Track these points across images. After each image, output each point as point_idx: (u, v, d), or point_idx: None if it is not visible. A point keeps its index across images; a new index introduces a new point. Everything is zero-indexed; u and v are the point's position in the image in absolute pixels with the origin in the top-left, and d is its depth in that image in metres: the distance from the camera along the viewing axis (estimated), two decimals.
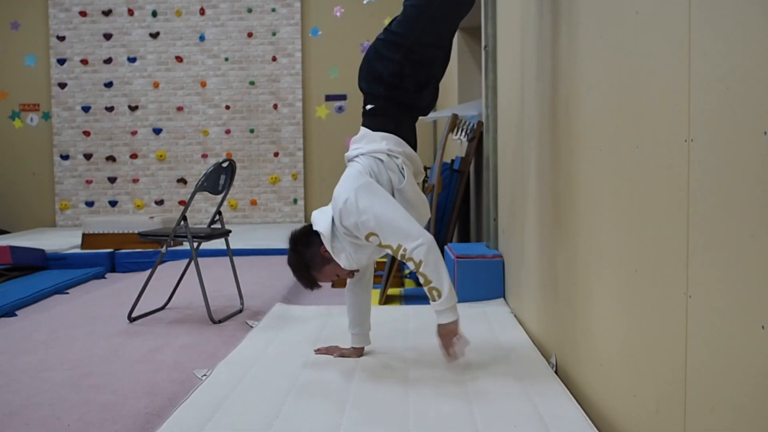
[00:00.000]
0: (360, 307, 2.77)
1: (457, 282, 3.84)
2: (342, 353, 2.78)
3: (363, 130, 2.62)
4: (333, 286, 4.97)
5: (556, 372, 2.50)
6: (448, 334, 2.45)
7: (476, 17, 4.37)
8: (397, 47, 2.56)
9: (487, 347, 2.87)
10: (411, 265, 2.38)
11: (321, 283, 2.61)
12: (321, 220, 2.51)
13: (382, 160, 2.50)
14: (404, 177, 2.52)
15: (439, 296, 2.38)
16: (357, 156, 2.56)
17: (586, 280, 2.18)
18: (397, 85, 2.56)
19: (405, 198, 2.53)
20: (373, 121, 2.60)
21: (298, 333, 3.25)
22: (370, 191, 2.42)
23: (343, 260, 2.48)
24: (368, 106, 2.62)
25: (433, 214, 4.63)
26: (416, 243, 2.35)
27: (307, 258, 2.54)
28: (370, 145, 2.54)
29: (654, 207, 1.62)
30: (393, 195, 2.51)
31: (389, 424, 2.05)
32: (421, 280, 2.40)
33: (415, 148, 2.64)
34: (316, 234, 2.52)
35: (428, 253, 2.35)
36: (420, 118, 2.77)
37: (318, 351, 2.86)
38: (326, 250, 2.50)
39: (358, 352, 2.78)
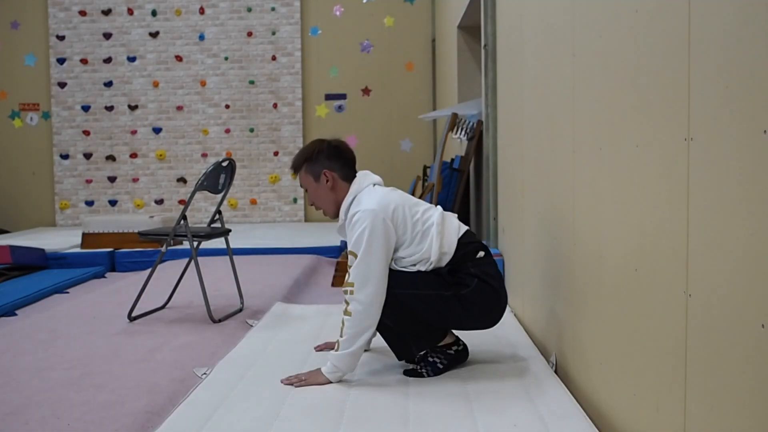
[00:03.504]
0: None
1: None
2: None
3: (459, 228, 2.53)
4: (333, 285, 4.97)
5: (556, 372, 2.50)
6: (314, 379, 2.42)
7: (476, 17, 4.37)
8: (459, 280, 2.47)
9: (487, 347, 2.87)
10: (344, 305, 2.42)
11: (302, 187, 2.63)
12: (366, 180, 2.53)
13: (424, 254, 2.45)
14: (427, 265, 2.45)
15: (336, 350, 2.40)
16: (437, 223, 2.47)
17: (586, 279, 2.18)
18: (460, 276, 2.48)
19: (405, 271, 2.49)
20: (467, 249, 2.51)
21: (298, 332, 3.25)
22: (385, 232, 2.38)
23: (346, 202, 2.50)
24: (462, 230, 2.54)
25: None
26: (361, 297, 2.35)
27: (318, 157, 2.55)
28: (451, 233, 2.47)
29: (654, 206, 1.62)
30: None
31: (389, 424, 2.05)
32: (341, 325, 2.41)
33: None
34: (345, 166, 2.54)
35: (360, 315, 2.36)
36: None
37: (318, 348, 2.87)
38: (327, 174, 2.52)
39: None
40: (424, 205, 2.55)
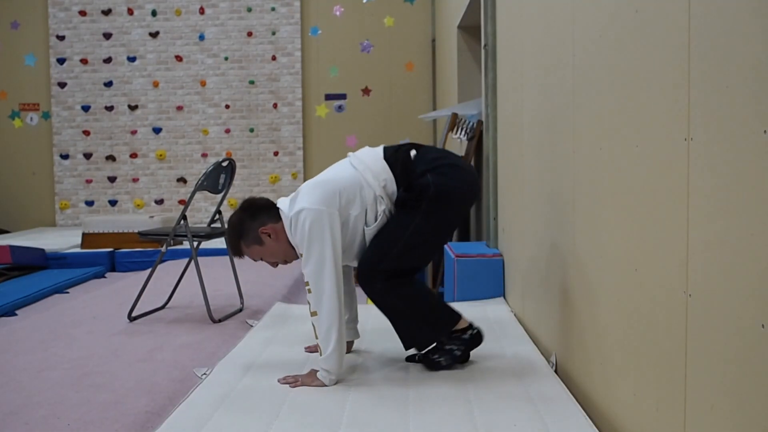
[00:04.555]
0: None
1: (457, 281, 3.84)
2: None
3: (381, 150, 2.55)
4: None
5: (556, 371, 2.50)
6: (309, 381, 2.42)
7: (476, 17, 4.36)
8: (423, 199, 2.45)
9: (486, 347, 2.87)
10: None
11: (246, 257, 2.62)
12: (287, 203, 2.52)
13: (365, 197, 2.44)
14: (376, 222, 2.46)
15: (320, 354, 2.40)
16: (357, 166, 2.50)
17: (586, 279, 2.18)
18: (414, 194, 2.47)
19: (364, 238, 2.50)
20: (397, 158, 2.52)
21: (298, 332, 3.25)
22: (328, 224, 2.37)
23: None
24: (413, 153, 2.54)
25: None
26: (317, 292, 2.36)
27: (245, 227, 2.54)
28: (374, 170, 2.47)
29: (654, 206, 1.62)
30: (351, 223, 2.47)
31: (389, 423, 2.05)
32: (313, 329, 2.42)
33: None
34: (267, 212, 2.52)
35: (321, 310, 2.36)
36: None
37: (308, 349, 2.87)
38: (264, 232, 2.51)
39: (348, 347, 2.78)
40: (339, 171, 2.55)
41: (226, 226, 3.44)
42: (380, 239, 2.49)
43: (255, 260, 2.61)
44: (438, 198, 2.44)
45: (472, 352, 2.62)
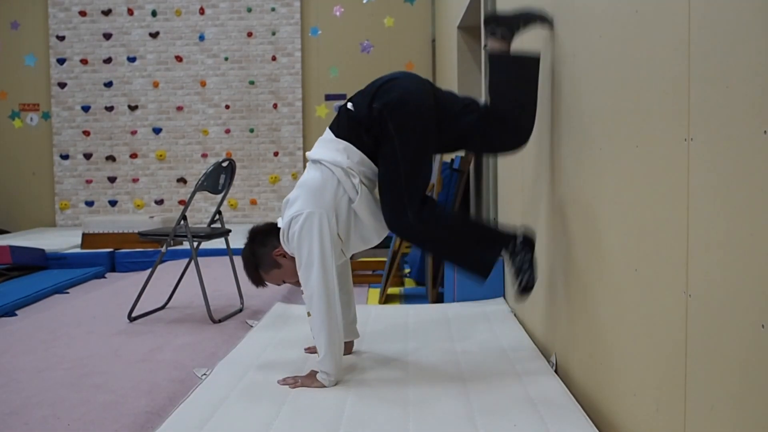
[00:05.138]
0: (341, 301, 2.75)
1: (457, 281, 3.85)
2: None
3: (328, 133, 2.54)
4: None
5: (556, 371, 2.50)
6: (308, 382, 2.41)
7: (476, 17, 4.37)
8: (394, 119, 2.40)
9: (487, 346, 2.87)
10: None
11: (268, 283, 2.62)
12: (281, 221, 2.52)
13: (338, 179, 2.42)
14: (358, 194, 2.43)
15: (318, 356, 2.40)
16: (317, 161, 2.48)
17: (586, 279, 2.18)
18: (367, 124, 2.44)
19: (358, 216, 2.48)
20: (343, 125, 2.50)
21: (298, 332, 3.25)
22: (317, 224, 2.37)
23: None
24: (349, 105, 2.51)
25: None
26: (308, 292, 2.37)
27: (259, 257, 2.55)
28: (330, 153, 2.46)
29: (654, 206, 1.62)
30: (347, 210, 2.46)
31: (389, 424, 2.05)
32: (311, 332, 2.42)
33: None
34: (275, 234, 2.52)
35: (315, 310, 2.36)
36: None
37: (308, 350, 2.87)
38: (279, 254, 2.51)
39: (347, 348, 2.78)
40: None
41: (224, 226, 3.45)
42: (385, 188, 2.45)
43: (279, 284, 2.62)
44: (394, 113, 2.38)
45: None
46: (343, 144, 2.46)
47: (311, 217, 2.36)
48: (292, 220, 2.39)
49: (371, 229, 2.51)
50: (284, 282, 2.59)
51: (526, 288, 2.47)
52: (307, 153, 2.56)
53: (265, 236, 2.56)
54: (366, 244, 2.58)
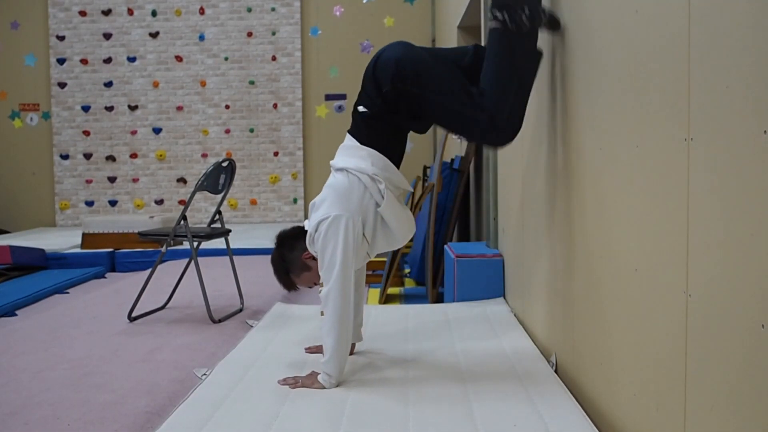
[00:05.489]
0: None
1: (457, 281, 3.85)
2: None
3: (350, 140, 2.54)
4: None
5: (556, 371, 2.50)
6: (309, 383, 2.41)
7: (476, 17, 4.37)
8: (409, 81, 2.42)
9: (487, 347, 2.87)
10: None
11: (300, 287, 2.65)
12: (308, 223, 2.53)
13: (365, 185, 2.44)
14: (384, 199, 2.44)
15: (323, 358, 2.40)
16: (342, 169, 2.50)
17: (586, 280, 2.18)
18: (393, 107, 2.46)
19: (384, 221, 2.49)
20: (362, 129, 2.51)
21: (298, 332, 3.25)
22: (343, 227, 2.38)
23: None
24: (360, 108, 2.51)
25: (433, 213, 4.63)
26: (325, 293, 2.37)
27: (288, 261, 2.59)
28: (354, 160, 2.47)
29: (654, 206, 1.62)
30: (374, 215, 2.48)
31: (389, 424, 2.05)
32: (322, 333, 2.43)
33: (402, 157, 2.59)
34: (303, 237, 2.54)
35: (329, 308, 2.37)
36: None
37: (309, 349, 2.87)
38: (307, 257, 2.54)
39: (350, 350, 2.77)
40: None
41: (224, 226, 3.44)
42: (461, 127, 2.48)
43: (311, 287, 2.65)
44: (403, 77, 2.40)
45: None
46: (366, 151, 2.48)
47: (338, 220, 2.38)
48: (320, 223, 2.41)
49: (396, 232, 2.53)
50: (315, 284, 2.61)
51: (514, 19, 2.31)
52: (331, 162, 2.58)
53: (294, 240, 2.60)
54: (391, 246, 2.61)
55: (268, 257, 2.69)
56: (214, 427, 2.08)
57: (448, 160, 5.68)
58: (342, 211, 2.40)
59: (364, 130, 2.51)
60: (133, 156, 8.96)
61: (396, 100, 2.43)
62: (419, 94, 2.41)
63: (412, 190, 2.63)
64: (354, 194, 2.44)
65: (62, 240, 7.01)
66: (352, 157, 2.49)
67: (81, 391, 2.58)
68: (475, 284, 3.84)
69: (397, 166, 2.55)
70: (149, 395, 2.52)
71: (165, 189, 8.99)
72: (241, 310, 3.94)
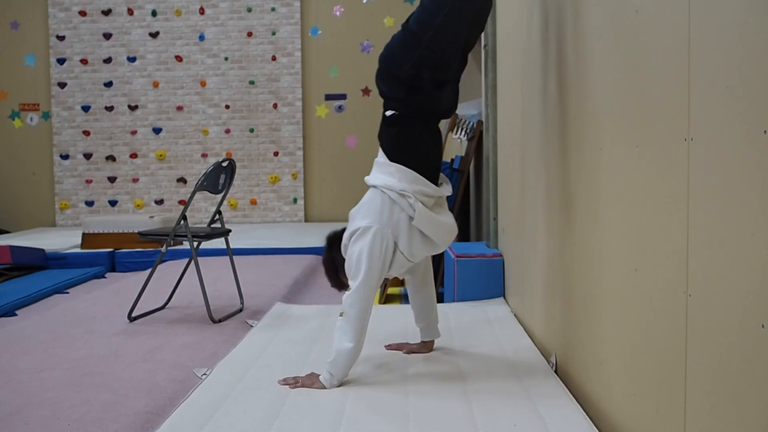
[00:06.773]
0: (422, 302, 2.83)
1: (457, 281, 3.85)
2: (411, 349, 2.83)
3: (381, 155, 2.59)
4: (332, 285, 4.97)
5: (556, 371, 2.50)
6: (309, 383, 2.42)
7: None
8: (414, 45, 2.53)
9: (487, 347, 2.87)
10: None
11: None
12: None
13: (393, 201, 2.49)
14: (415, 212, 2.46)
15: (330, 359, 2.42)
16: (373, 186, 2.56)
17: (586, 279, 2.18)
18: (416, 86, 2.51)
19: (420, 231, 2.52)
20: (390, 143, 2.57)
21: (298, 332, 3.25)
22: (371, 238, 2.44)
23: None
24: (388, 112, 2.59)
25: None
26: (346, 295, 2.42)
27: (339, 262, 2.64)
28: (383, 176, 2.54)
29: (654, 206, 1.62)
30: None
31: (389, 424, 2.05)
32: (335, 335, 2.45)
33: (439, 158, 2.67)
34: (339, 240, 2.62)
35: (348, 309, 2.41)
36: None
37: (389, 347, 2.90)
38: None
39: (428, 347, 2.83)
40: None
41: (224, 226, 3.44)
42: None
43: None
44: (412, 59, 2.51)
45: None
46: (394, 167, 2.53)
47: (367, 231, 2.46)
48: (353, 235, 2.49)
49: (435, 238, 2.55)
50: None
51: None
52: (365, 178, 2.63)
53: (335, 241, 2.67)
54: (433, 251, 2.64)
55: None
56: (214, 427, 2.08)
57: (448, 160, 5.68)
58: (372, 222, 2.47)
59: (392, 145, 2.57)
60: (133, 156, 8.96)
61: (418, 73, 2.49)
62: (438, 27, 2.49)
63: (450, 193, 2.66)
64: (384, 209, 2.50)
65: (62, 240, 7.01)
66: (381, 173, 2.56)
67: (81, 391, 2.58)
68: (475, 284, 3.84)
69: (434, 171, 2.60)
70: (149, 395, 2.52)
71: (165, 189, 8.99)
72: (241, 310, 3.94)
